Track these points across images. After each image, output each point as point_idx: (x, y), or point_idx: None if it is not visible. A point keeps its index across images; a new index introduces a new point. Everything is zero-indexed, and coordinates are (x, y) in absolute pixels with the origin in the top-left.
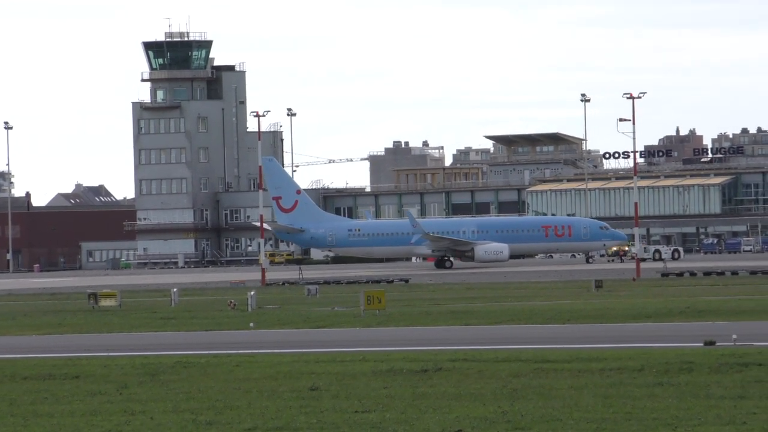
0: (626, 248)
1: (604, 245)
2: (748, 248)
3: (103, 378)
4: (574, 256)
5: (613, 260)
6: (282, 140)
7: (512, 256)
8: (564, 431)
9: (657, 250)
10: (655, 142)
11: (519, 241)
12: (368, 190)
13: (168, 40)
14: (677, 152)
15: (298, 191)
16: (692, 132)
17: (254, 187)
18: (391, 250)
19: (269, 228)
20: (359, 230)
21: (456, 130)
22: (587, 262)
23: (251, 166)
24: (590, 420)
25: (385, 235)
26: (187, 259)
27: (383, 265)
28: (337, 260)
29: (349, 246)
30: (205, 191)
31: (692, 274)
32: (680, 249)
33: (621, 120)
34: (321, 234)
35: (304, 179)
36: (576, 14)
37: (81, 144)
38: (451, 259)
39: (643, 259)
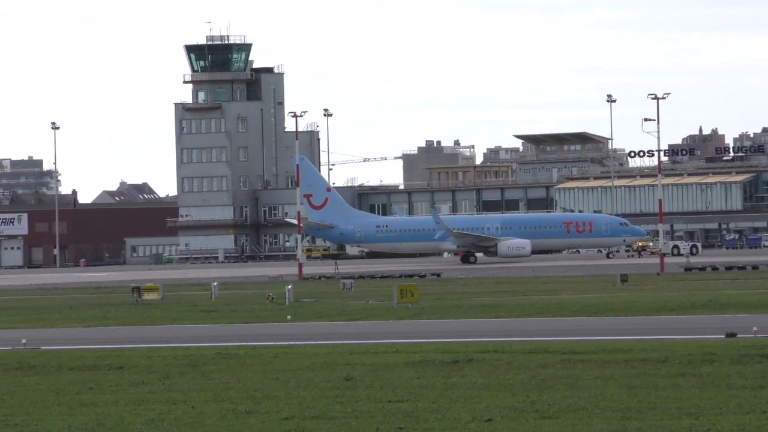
0: (649, 243)
1: (624, 241)
2: None
3: (146, 369)
4: (600, 251)
5: (633, 255)
6: (318, 140)
7: (534, 252)
8: (590, 420)
9: (675, 246)
10: (679, 142)
11: (541, 237)
12: (401, 187)
13: (209, 43)
14: (700, 151)
15: (328, 189)
16: (714, 131)
17: (292, 185)
18: (417, 246)
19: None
20: (387, 226)
21: (486, 129)
22: (608, 257)
23: (289, 165)
24: (616, 409)
25: (411, 231)
26: (227, 254)
27: (415, 260)
28: (372, 255)
29: (377, 242)
30: (244, 189)
31: (714, 268)
32: (698, 245)
33: (646, 120)
34: (350, 230)
35: (339, 177)
36: (597, 18)
37: (125, 143)
38: (475, 254)
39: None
